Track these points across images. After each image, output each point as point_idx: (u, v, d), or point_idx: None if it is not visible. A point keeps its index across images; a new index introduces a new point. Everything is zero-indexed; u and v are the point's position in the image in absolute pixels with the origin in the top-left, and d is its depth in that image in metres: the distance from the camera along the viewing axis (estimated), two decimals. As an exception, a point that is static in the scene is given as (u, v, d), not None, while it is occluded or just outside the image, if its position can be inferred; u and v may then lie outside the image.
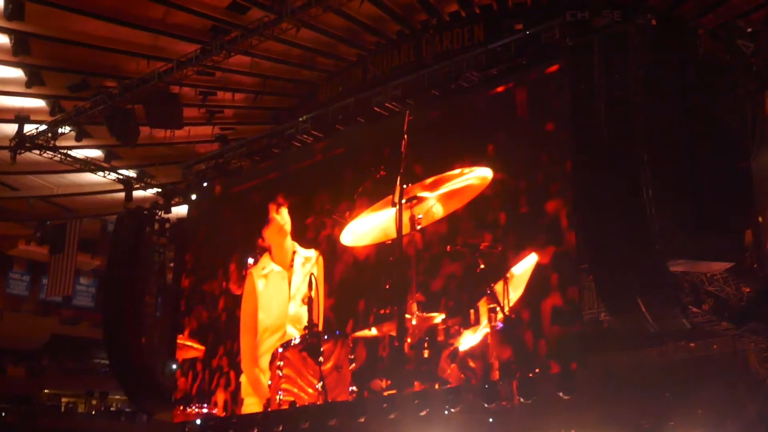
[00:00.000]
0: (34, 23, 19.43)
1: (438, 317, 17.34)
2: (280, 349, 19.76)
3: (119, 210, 26.32)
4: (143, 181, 26.31)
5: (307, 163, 21.21)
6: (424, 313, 17.51)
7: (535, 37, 17.08)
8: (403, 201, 18.00)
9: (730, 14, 18.15)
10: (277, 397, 19.52)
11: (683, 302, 15.65)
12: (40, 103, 22.94)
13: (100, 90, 21.63)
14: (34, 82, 21.46)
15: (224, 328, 21.93)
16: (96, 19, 19.27)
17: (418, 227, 17.85)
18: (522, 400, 16.73)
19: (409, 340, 17.56)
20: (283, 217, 21.22)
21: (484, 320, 16.45)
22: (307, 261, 20.32)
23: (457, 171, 17.72)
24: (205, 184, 23.95)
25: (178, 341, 22.91)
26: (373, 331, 18.26)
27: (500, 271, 16.39)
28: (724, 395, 19.85)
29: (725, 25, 17.30)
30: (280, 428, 19.83)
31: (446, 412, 17.95)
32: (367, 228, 18.90)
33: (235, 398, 21.02)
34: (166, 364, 24.15)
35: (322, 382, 18.65)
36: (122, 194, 25.98)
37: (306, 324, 19.35)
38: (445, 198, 17.88)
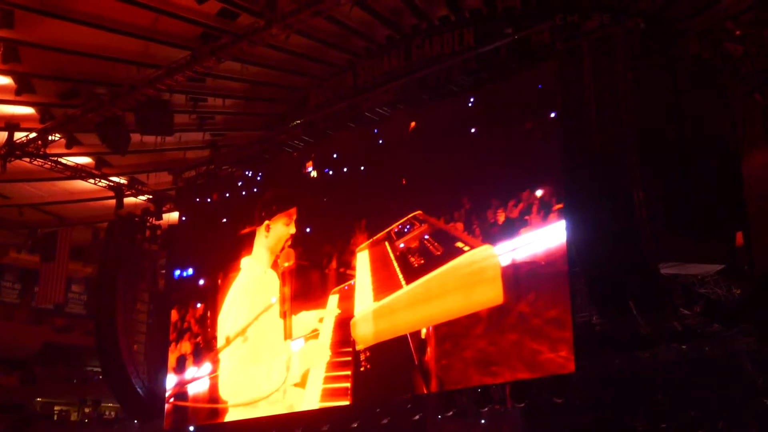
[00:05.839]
0: (23, 31, 19.36)
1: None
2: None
3: (110, 217, 26.31)
4: (134, 188, 26.24)
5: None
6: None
7: (524, 41, 17.12)
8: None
9: (719, 17, 18.19)
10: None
11: (675, 304, 15.67)
12: (30, 111, 22.87)
13: (91, 97, 21.57)
14: (24, 89, 21.36)
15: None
16: (86, 27, 19.20)
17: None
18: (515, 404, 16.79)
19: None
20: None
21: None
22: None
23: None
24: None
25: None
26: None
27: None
28: (716, 397, 19.87)
29: (714, 27, 17.35)
30: (273, 434, 19.83)
31: (439, 417, 17.97)
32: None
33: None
34: (158, 371, 24.09)
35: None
36: (113, 201, 25.90)
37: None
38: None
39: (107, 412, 36.50)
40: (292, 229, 21.14)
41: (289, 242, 21.08)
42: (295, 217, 21.19)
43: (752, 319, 16.12)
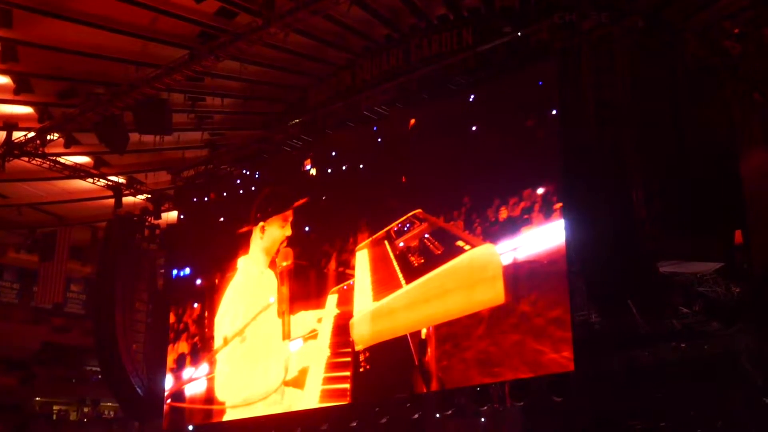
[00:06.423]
0: (21, 30, 19.36)
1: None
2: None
3: (109, 217, 26.29)
4: (133, 188, 26.23)
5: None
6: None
7: (523, 40, 17.12)
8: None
9: (717, 16, 18.20)
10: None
11: (674, 303, 15.69)
12: (28, 110, 22.85)
13: (89, 97, 21.56)
14: (22, 89, 21.36)
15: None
16: (84, 26, 19.19)
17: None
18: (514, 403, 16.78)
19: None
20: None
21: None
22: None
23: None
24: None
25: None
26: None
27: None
28: (715, 396, 19.88)
29: (713, 26, 17.36)
30: (273, 434, 19.82)
31: (438, 416, 17.96)
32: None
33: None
34: (157, 371, 24.07)
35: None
36: (112, 201, 25.87)
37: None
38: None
39: (106, 412, 36.51)
40: (288, 232, 21.10)
41: (285, 244, 21.06)
42: (291, 219, 21.16)
43: (751, 317, 16.13)
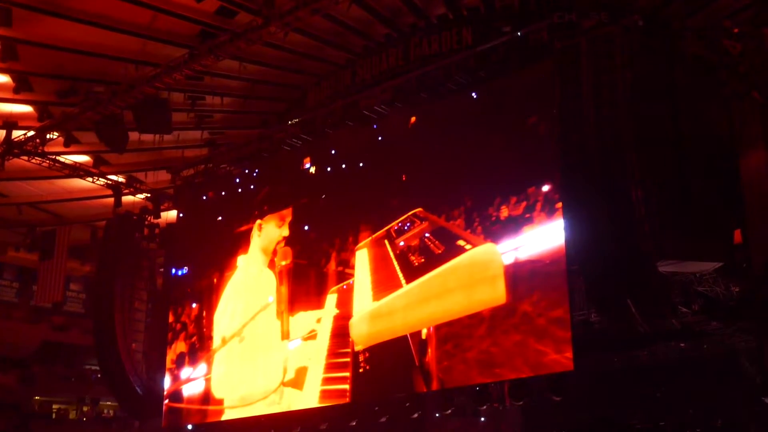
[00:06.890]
0: (21, 29, 19.35)
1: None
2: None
3: (109, 216, 26.28)
4: (132, 187, 26.21)
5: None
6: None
7: (522, 39, 17.12)
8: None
9: (717, 15, 18.20)
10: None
11: (673, 302, 15.69)
12: (28, 109, 22.85)
13: (89, 95, 21.55)
14: (22, 88, 21.35)
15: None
16: (84, 25, 19.19)
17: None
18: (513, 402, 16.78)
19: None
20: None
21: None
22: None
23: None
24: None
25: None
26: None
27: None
28: (714, 394, 19.91)
29: (712, 25, 17.35)
30: (271, 433, 19.81)
31: (438, 415, 17.97)
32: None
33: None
34: (156, 370, 24.07)
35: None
36: (111, 200, 25.89)
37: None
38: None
39: (106, 411, 36.53)
40: (285, 232, 21.03)
41: (283, 243, 21.02)
42: (289, 219, 21.12)
43: (751, 316, 16.15)
